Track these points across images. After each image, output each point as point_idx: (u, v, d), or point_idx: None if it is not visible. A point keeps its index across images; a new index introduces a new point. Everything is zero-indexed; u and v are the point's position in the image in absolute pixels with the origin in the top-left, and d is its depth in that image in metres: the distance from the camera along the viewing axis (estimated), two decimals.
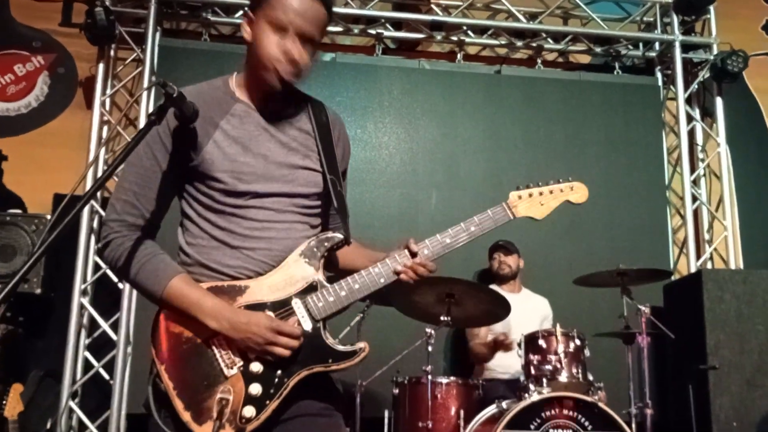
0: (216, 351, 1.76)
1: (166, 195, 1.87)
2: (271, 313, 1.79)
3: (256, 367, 1.75)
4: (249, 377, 1.75)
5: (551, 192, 2.09)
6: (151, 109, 5.18)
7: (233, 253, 1.82)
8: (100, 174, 5.19)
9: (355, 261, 1.96)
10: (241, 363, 1.76)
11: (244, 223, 1.83)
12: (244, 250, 1.82)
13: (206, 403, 1.73)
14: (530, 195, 2.06)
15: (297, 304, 1.81)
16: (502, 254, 4.84)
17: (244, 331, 1.73)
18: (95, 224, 5.19)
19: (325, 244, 1.88)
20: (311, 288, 1.83)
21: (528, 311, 4.69)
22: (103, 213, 5.13)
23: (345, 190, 2.08)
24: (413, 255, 1.88)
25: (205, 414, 1.72)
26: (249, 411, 1.73)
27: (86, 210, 5.10)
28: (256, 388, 1.74)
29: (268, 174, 1.86)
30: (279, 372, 1.76)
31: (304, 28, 1.81)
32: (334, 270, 1.98)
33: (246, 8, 1.93)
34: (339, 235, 1.90)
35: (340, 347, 1.81)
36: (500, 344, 4.43)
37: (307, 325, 1.80)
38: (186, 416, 1.72)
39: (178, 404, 1.72)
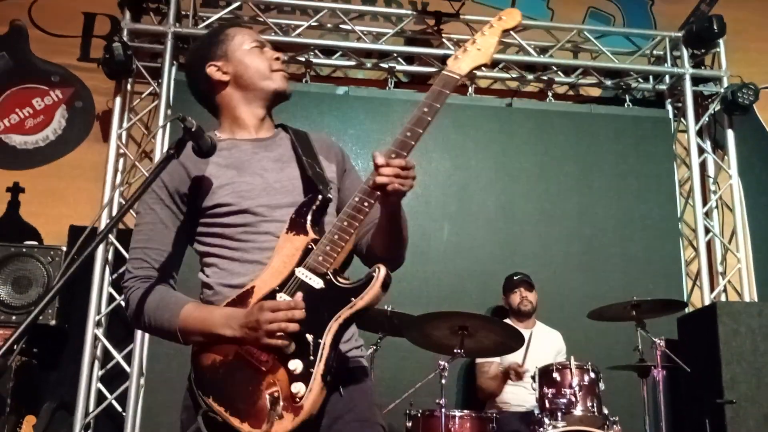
0: (247, 356, 1.75)
1: (175, 244, 1.93)
2: (282, 294, 1.78)
3: (287, 348, 1.71)
4: (285, 360, 1.72)
5: (483, 34, 1.94)
6: (167, 143, 5.30)
7: (254, 266, 1.85)
8: (115, 204, 5.25)
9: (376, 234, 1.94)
10: (270, 351, 1.73)
11: (259, 237, 1.87)
12: (264, 260, 1.85)
13: (258, 405, 1.71)
14: (465, 50, 1.92)
15: (300, 272, 1.79)
16: (524, 289, 4.80)
17: (245, 324, 1.72)
18: (110, 256, 5.22)
19: (303, 209, 1.88)
20: (307, 251, 1.81)
21: (542, 345, 4.66)
22: (118, 245, 5.18)
23: (360, 181, 2.00)
24: (377, 166, 1.78)
25: (260, 415, 1.70)
26: (297, 387, 1.69)
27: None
28: (295, 364, 1.71)
29: (269, 187, 1.92)
30: (310, 337, 1.72)
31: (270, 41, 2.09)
32: (369, 255, 1.97)
33: (205, 67, 2.05)
34: (318, 196, 1.89)
35: (355, 283, 1.77)
36: (508, 376, 4.41)
37: (318, 284, 1.77)
38: (245, 428, 1.70)
39: (235, 421, 1.71)
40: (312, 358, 1.71)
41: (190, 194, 1.91)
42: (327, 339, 1.72)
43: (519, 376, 4.39)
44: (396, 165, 1.78)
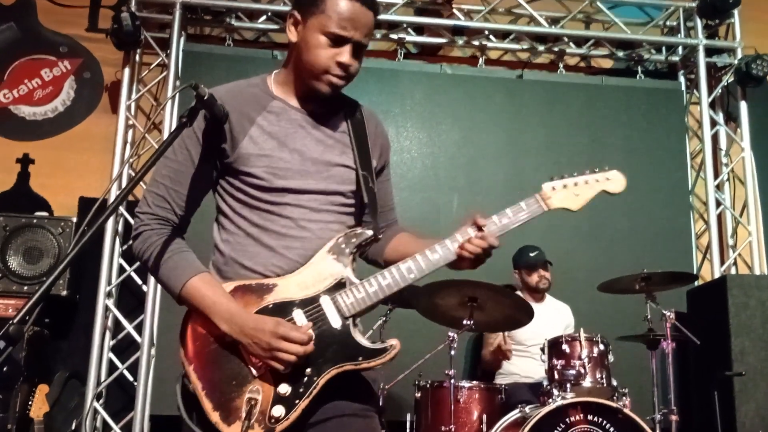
0: (244, 350, 1.75)
1: (198, 191, 1.89)
2: (299, 311, 1.78)
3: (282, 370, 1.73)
4: (278, 376, 1.73)
5: (586, 182, 2.01)
6: (176, 114, 5.29)
7: (267, 252, 1.83)
8: (125, 177, 5.26)
9: (407, 254, 1.88)
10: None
11: (280, 221, 1.84)
12: (279, 249, 1.83)
13: (235, 403, 1.72)
14: (564, 186, 1.98)
15: (325, 302, 1.80)
16: (543, 269, 4.72)
17: (251, 336, 1.72)
18: (120, 227, 5.24)
19: (353, 240, 1.86)
20: (340, 285, 1.81)
21: (552, 319, 4.66)
22: (128, 216, 5.19)
23: (389, 186, 2.11)
24: (479, 229, 1.86)
25: (233, 414, 1.71)
26: (278, 410, 1.72)
27: None
28: (285, 388, 1.73)
29: (304, 170, 1.87)
30: (308, 371, 1.74)
31: (359, 40, 1.83)
32: (388, 265, 1.90)
33: (292, 8, 1.90)
34: (368, 232, 1.88)
35: (371, 344, 1.79)
36: (502, 351, 4.43)
37: (336, 323, 1.79)
38: (215, 417, 1.72)
39: (207, 405, 1.72)
40: (302, 390, 1.73)
41: (226, 149, 1.85)
42: (321, 381, 1.75)
43: (503, 354, 4.41)
44: (491, 242, 1.86)
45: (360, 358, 1.77)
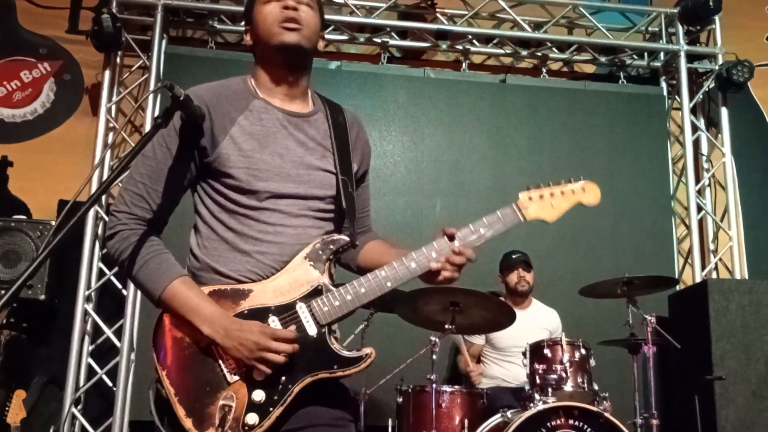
0: (219, 357, 1.72)
1: (177, 190, 1.85)
2: (275, 318, 1.75)
3: (263, 374, 1.71)
4: (252, 383, 1.71)
5: (562, 193, 2.01)
6: (156, 115, 5.24)
7: (243, 257, 1.79)
8: (103, 178, 5.20)
9: (381, 262, 1.88)
10: (244, 369, 1.71)
11: (257, 226, 1.80)
12: (254, 254, 1.79)
13: (208, 410, 1.69)
14: (541, 196, 1.98)
15: (301, 309, 1.77)
16: (522, 269, 4.70)
17: (237, 338, 1.69)
18: (100, 230, 5.19)
19: (330, 246, 1.83)
20: (316, 292, 1.79)
21: (538, 324, 4.62)
22: (107, 219, 5.14)
23: (367, 192, 2.11)
24: (451, 239, 1.84)
25: (207, 421, 1.68)
26: (252, 418, 1.69)
27: (90, 216, 5.10)
28: (259, 395, 1.70)
29: (284, 173, 1.84)
30: (283, 378, 1.72)
31: None
32: (360, 271, 1.92)
33: (245, 28, 1.97)
34: (344, 238, 1.86)
35: (346, 353, 1.77)
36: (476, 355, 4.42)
37: (312, 330, 1.76)
38: (188, 423, 1.68)
39: (180, 411, 1.69)
40: (276, 398, 1.71)
41: (206, 148, 1.81)
42: (296, 389, 1.73)
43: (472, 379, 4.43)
44: (468, 256, 1.85)
45: (335, 367, 1.75)
